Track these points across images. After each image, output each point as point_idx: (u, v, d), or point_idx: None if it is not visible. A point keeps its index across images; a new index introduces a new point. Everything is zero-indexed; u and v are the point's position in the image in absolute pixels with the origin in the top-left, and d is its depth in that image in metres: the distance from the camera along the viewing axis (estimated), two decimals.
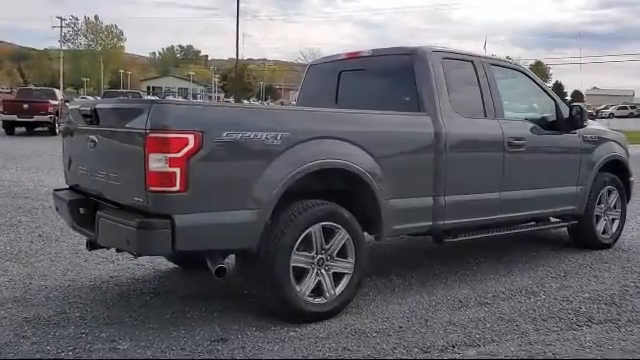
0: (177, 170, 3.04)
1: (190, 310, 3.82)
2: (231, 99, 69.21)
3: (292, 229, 3.44)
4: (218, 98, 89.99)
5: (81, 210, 3.79)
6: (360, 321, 3.67)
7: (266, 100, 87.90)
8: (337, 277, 3.71)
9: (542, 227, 5.33)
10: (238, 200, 3.26)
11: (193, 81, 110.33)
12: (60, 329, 3.47)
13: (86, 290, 4.21)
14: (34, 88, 26.29)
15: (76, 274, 4.63)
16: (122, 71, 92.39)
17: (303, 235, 3.50)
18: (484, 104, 4.56)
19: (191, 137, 3.07)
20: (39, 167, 11.68)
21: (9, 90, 69.84)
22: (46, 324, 3.54)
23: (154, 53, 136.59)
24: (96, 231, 3.40)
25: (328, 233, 3.64)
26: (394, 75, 4.50)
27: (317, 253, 3.60)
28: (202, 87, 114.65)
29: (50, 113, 19.61)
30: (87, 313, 3.73)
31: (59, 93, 23.23)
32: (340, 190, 3.86)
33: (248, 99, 77.98)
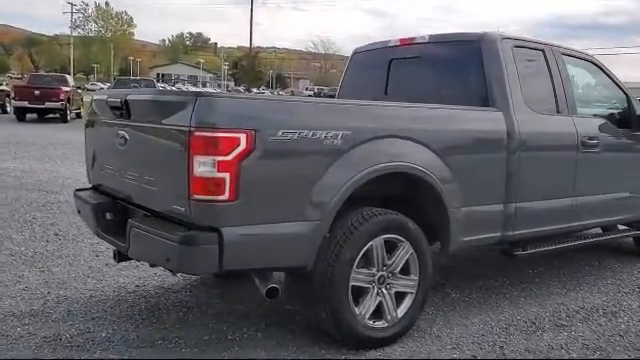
0: (226, 175, 2.56)
1: (229, 329, 3.36)
2: (240, 88, 68.59)
3: (352, 243, 2.97)
4: (227, 86, 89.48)
5: (107, 215, 3.33)
6: (426, 348, 3.20)
7: (275, 89, 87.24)
8: (399, 297, 3.24)
9: (611, 236, 4.82)
10: (294, 210, 2.79)
11: (203, 69, 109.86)
12: (85, 353, 3.03)
13: (111, 303, 3.77)
14: (45, 74, 25.84)
15: (98, 282, 4.19)
16: (132, 58, 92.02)
17: (364, 250, 3.03)
18: (556, 98, 4.05)
19: (243, 136, 2.59)
20: (52, 156, 11.28)
21: (20, 76, 69.74)
22: (68, 346, 3.10)
23: (164, 40, 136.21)
24: (127, 242, 2.94)
25: (390, 247, 3.16)
26: (457, 65, 3.99)
27: (378, 270, 3.13)
28: (211, 75, 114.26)
29: (62, 100, 19.15)
30: (114, 333, 3.28)
31: (71, 79, 22.76)
32: (398, 196, 3.38)
33: (258, 87, 77.33)
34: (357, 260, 3.01)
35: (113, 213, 3.33)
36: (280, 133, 2.69)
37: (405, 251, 3.20)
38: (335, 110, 3.01)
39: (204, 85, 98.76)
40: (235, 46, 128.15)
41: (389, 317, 3.18)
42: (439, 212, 3.35)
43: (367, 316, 3.10)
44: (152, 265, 3.45)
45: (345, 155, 2.89)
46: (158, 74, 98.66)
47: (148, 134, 2.93)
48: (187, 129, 2.57)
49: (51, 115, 19.95)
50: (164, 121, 2.77)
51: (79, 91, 23.23)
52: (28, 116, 19.70)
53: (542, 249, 3.96)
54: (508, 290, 4.24)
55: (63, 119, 19.41)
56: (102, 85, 70.87)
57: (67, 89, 19.83)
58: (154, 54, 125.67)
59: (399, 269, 3.20)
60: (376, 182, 3.02)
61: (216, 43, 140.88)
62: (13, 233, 5.44)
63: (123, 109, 3.05)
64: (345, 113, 3.02)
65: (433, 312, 3.71)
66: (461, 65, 3.95)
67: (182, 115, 2.63)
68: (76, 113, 21.41)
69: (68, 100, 19.57)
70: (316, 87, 63.24)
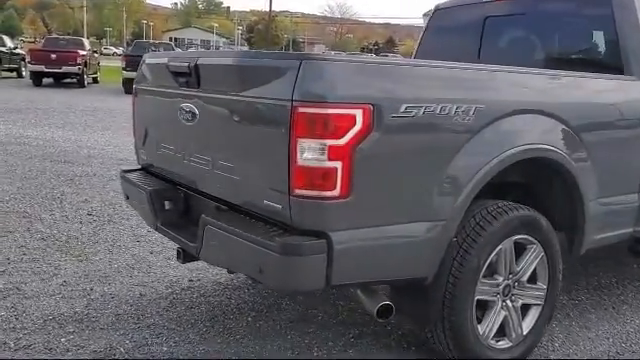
0: (338, 165, 1.95)
1: (313, 343, 2.81)
2: None
3: (479, 247, 2.36)
4: None
5: (166, 205, 2.74)
6: None
7: None
8: (523, 310, 2.65)
9: None
10: (416, 208, 2.18)
11: (216, 33, 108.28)
12: None
13: (165, 303, 3.22)
14: (62, 37, 25.05)
15: (145, 274, 3.65)
16: (145, 22, 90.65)
17: (492, 255, 2.43)
18: None
19: (359, 113, 1.97)
20: (73, 124, 10.74)
21: (33, 39, 69.00)
22: None
23: (175, 4, 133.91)
24: (199, 242, 2.36)
25: (518, 250, 2.56)
26: (577, 23, 3.30)
27: (504, 279, 2.53)
28: (224, 39, 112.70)
29: (79, 64, 18.47)
30: (176, 345, 2.74)
31: (87, 43, 22.02)
32: (515, 185, 2.75)
33: None
34: (484, 268, 2.41)
35: (174, 202, 2.75)
36: (403, 108, 2.06)
37: (535, 255, 2.59)
38: (467, 77, 2.35)
39: (217, 49, 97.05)
40: (248, 10, 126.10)
41: (513, 335, 2.59)
42: (572, 205, 2.73)
43: (491, 335, 2.52)
44: (231, 272, 2.88)
45: (477, 136, 2.26)
46: (171, 38, 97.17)
47: (228, 109, 2.30)
48: (288, 104, 1.95)
49: (68, 80, 19.34)
50: (251, 92, 2.15)
51: (96, 55, 22.46)
52: (44, 81, 19.11)
53: None
54: (621, 291, 3.64)
55: (80, 84, 18.80)
56: (115, 49, 69.90)
57: (84, 53, 19.15)
58: (166, 18, 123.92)
59: (527, 277, 2.60)
60: (511, 169, 2.39)
61: (229, 7, 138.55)
62: (42, 212, 4.92)
63: (191, 76, 2.42)
64: (479, 81, 2.37)
65: None
66: (583, 23, 3.26)
67: (280, 85, 2.00)
68: (93, 78, 20.80)
69: (85, 64, 18.92)
70: (333, 52, 61.81)
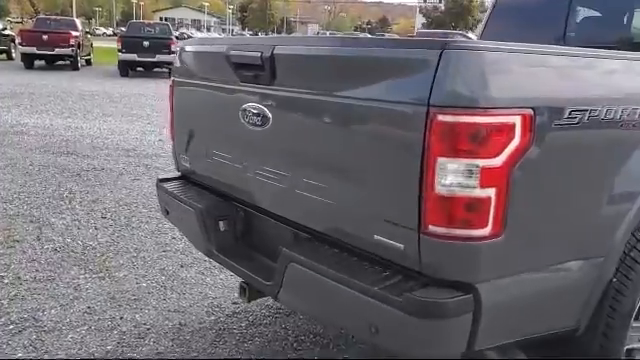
0: (492, 193, 1.43)
1: None
2: (245, 33, 65.90)
3: (634, 285, 1.86)
4: (232, 31, 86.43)
5: (222, 225, 2.22)
6: None
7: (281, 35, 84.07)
8: None
9: None
10: (574, 243, 1.67)
11: (207, 13, 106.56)
12: None
13: (211, 336, 2.71)
14: (53, 18, 24.08)
15: (180, 296, 3.14)
16: (134, 1, 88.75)
17: None
18: None
19: (518, 121, 1.44)
20: (71, 110, 10.14)
21: (20, 19, 67.31)
22: None
23: None
24: (277, 282, 1.84)
25: None
26: None
27: None
28: (215, 19, 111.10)
29: (72, 45, 17.68)
30: None
31: (80, 23, 21.12)
32: None
33: (266, 33, 74.47)
34: (636, 310, 1.91)
35: (230, 222, 2.22)
36: (567, 113, 1.54)
37: None
38: (628, 70, 1.82)
39: (208, 30, 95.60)
40: None
41: None
42: None
43: None
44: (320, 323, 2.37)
45: None
46: (161, 18, 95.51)
47: (321, 114, 1.75)
48: (422, 110, 1.41)
49: (61, 62, 18.55)
50: (359, 93, 1.60)
51: (89, 36, 21.61)
52: (36, 63, 18.32)
53: None
54: None
55: (74, 66, 18.05)
56: (105, 30, 68.42)
57: (77, 34, 18.32)
58: None
59: None
60: None
61: None
62: (51, 216, 4.38)
63: (263, 69, 1.87)
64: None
65: None
66: None
67: (408, 83, 1.47)
68: (86, 60, 20.02)
69: (78, 46, 18.15)
70: (328, 32, 60.65)
